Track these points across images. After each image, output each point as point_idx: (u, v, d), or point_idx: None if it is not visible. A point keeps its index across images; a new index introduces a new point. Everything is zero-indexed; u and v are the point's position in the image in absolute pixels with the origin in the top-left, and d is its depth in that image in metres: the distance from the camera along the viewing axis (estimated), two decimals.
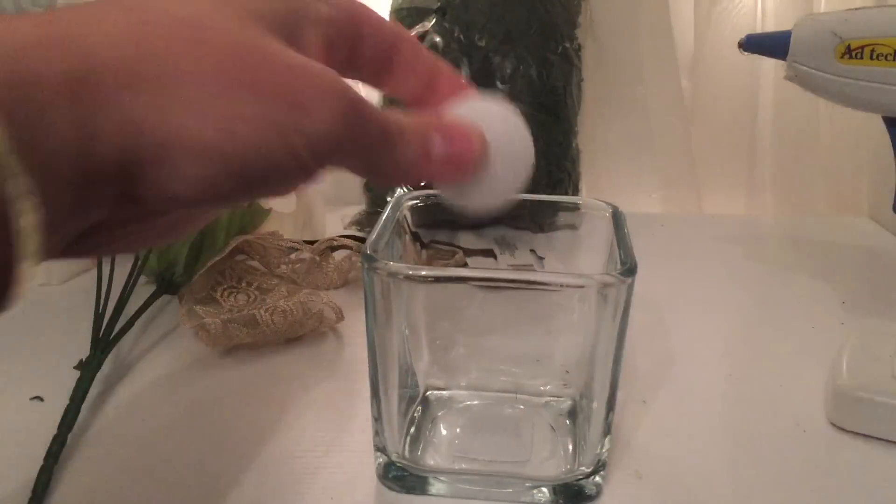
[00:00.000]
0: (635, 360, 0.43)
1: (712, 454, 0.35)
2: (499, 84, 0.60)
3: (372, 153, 0.22)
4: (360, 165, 0.22)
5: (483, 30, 0.59)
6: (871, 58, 0.41)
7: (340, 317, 0.46)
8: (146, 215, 0.21)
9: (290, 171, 0.19)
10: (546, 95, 0.60)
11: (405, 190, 0.59)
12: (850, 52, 0.41)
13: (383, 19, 0.25)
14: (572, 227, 0.38)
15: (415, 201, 0.36)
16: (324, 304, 0.45)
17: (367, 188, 0.61)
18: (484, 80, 0.60)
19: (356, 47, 0.24)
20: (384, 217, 0.33)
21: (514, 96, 0.59)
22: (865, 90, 0.41)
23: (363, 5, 0.24)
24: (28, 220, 0.15)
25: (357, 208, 0.61)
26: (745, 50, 0.46)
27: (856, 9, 0.42)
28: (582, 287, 0.29)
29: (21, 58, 0.15)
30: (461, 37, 0.60)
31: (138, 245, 0.27)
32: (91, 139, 0.16)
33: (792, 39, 0.43)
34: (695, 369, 0.42)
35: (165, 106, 0.17)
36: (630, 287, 0.28)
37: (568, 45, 0.61)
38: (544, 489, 0.32)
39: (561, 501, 0.32)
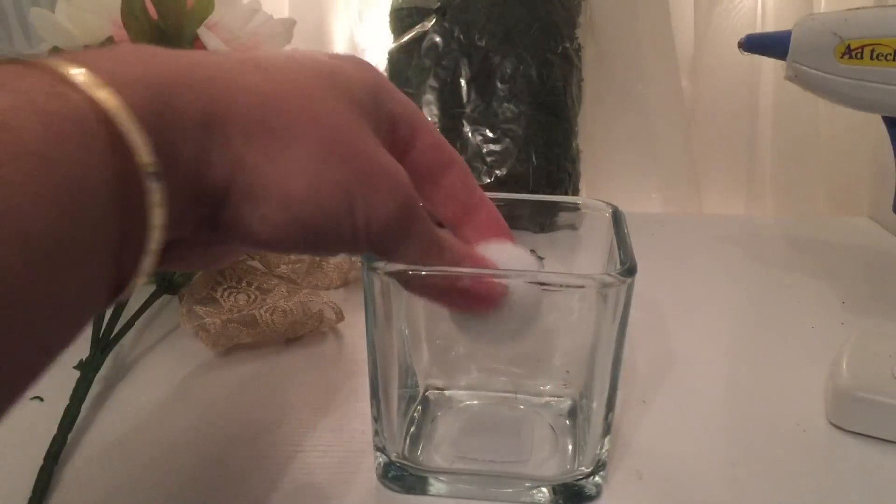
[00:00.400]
0: (635, 360, 0.43)
1: (712, 454, 0.35)
2: (499, 84, 0.60)
3: (410, 250, 0.24)
4: (397, 259, 0.25)
5: (483, 30, 0.59)
6: (872, 58, 0.40)
7: (340, 317, 0.46)
8: (214, 242, 0.24)
9: (344, 238, 0.22)
10: (546, 95, 0.60)
11: None
12: (850, 52, 0.41)
13: (442, 138, 0.28)
14: (572, 227, 0.38)
15: None
16: (324, 304, 0.45)
17: None
18: (484, 80, 0.60)
19: (408, 153, 0.27)
20: None
21: (514, 96, 0.59)
22: (865, 90, 0.41)
23: (426, 120, 0.28)
24: (158, 218, 0.18)
25: None
26: (745, 50, 0.46)
27: (856, 9, 0.42)
28: (582, 287, 0.29)
29: (169, 94, 0.19)
30: (461, 37, 0.60)
31: (190, 266, 0.30)
32: (206, 166, 0.20)
33: (792, 39, 0.43)
34: (695, 369, 0.42)
35: (274, 155, 0.21)
36: (630, 287, 0.28)
37: (568, 44, 0.62)
38: (544, 489, 0.32)
39: (561, 501, 0.32)
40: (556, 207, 0.41)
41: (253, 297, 0.46)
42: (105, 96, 0.17)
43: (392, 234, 0.23)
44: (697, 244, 0.63)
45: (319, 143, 0.21)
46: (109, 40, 0.40)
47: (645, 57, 0.68)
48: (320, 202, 0.21)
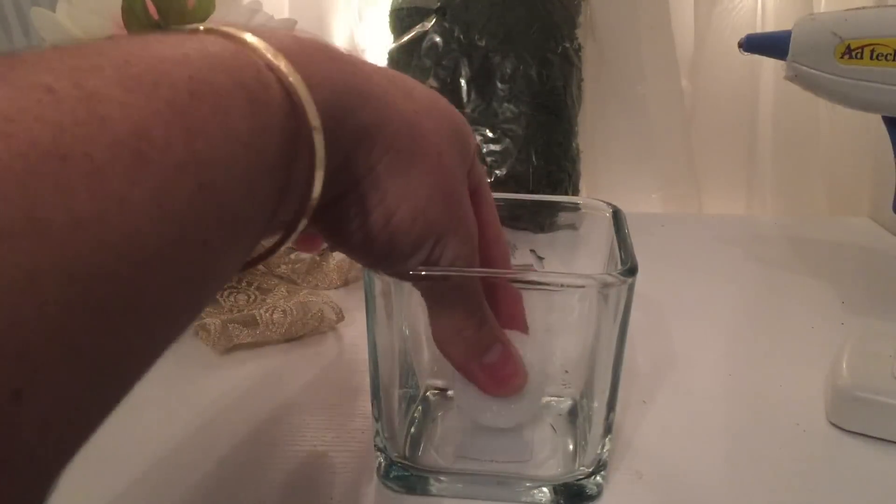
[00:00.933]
0: (636, 360, 0.43)
1: (712, 454, 0.35)
2: (499, 84, 0.60)
3: (458, 303, 0.28)
4: (443, 307, 0.28)
5: (483, 30, 0.59)
6: (872, 58, 0.40)
7: (340, 317, 0.46)
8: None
9: (416, 254, 0.26)
10: (546, 95, 0.60)
11: None
12: (850, 52, 0.41)
13: (496, 214, 0.32)
14: (572, 227, 0.38)
15: None
16: (324, 304, 0.45)
17: None
18: (484, 80, 0.60)
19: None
20: None
21: (514, 96, 0.59)
22: (865, 90, 0.41)
23: (490, 196, 0.32)
24: (320, 173, 0.21)
25: None
26: (745, 50, 0.46)
27: (856, 9, 0.42)
28: (582, 287, 0.29)
29: (342, 99, 0.22)
30: (461, 37, 0.60)
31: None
32: (347, 161, 0.23)
33: (792, 39, 0.43)
34: (695, 369, 0.42)
35: (398, 174, 0.24)
36: (631, 287, 0.28)
37: (568, 44, 0.62)
38: (545, 489, 0.32)
39: (562, 501, 0.32)
40: (556, 207, 0.41)
41: (253, 297, 0.46)
42: (296, 84, 0.20)
43: (451, 270, 0.27)
44: (697, 244, 0.63)
45: (435, 179, 0.25)
46: None
47: (645, 57, 0.68)
48: (416, 229, 0.25)
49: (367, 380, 0.31)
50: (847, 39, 0.41)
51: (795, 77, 0.44)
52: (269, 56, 0.19)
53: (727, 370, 0.43)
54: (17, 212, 0.12)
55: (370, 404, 0.32)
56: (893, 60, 0.40)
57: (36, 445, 0.13)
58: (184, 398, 0.39)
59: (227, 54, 0.18)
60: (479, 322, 0.28)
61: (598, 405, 0.31)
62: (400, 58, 0.61)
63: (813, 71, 0.43)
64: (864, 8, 0.42)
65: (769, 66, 0.68)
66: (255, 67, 0.19)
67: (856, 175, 0.70)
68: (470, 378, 0.30)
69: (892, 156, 0.43)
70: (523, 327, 0.32)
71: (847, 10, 0.42)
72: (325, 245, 0.30)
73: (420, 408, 0.36)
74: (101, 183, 0.14)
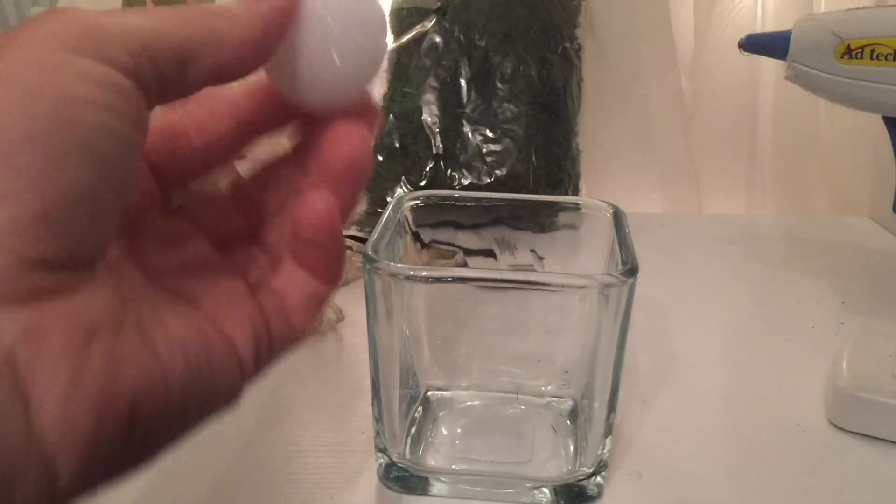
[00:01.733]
0: (636, 361, 0.43)
1: (713, 454, 0.35)
2: (499, 84, 0.60)
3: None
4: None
5: (483, 30, 0.59)
6: (872, 58, 0.40)
7: (340, 317, 0.46)
8: None
9: None
10: (546, 95, 0.60)
11: (405, 190, 0.59)
12: (850, 53, 0.41)
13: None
14: (573, 227, 0.38)
15: (416, 201, 0.36)
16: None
17: (367, 188, 0.61)
18: (484, 80, 0.60)
19: None
20: (385, 217, 0.33)
21: (514, 96, 0.59)
22: (865, 90, 0.41)
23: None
24: None
25: (358, 208, 0.61)
26: (745, 50, 0.46)
27: (856, 9, 0.42)
28: (583, 287, 0.29)
29: None
30: (461, 37, 0.60)
31: None
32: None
33: (792, 39, 0.43)
34: (695, 369, 0.42)
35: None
36: (631, 287, 0.28)
37: (568, 45, 0.62)
38: (545, 490, 0.32)
39: (562, 502, 0.32)
40: (556, 207, 0.40)
41: None
42: None
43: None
44: (697, 244, 0.63)
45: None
46: None
47: (645, 57, 0.68)
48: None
49: (367, 380, 0.31)
50: (847, 39, 0.41)
51: (795, 77, 0.44)
52: None
53: (727, 370, 0.43)
54: None
55: (370, 404, 0.32)
56: (893, 60, 0.40)
57: None
58: None
59: None
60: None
61: (599, 405, 0.31)
62: (400, 58, 0.61)
63: (813, 71, 0.43)
64: (863, 8, 0.42)
65: (769, 67, 0.68)
66: None
67: (856, 175, 0.70)
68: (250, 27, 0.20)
69: (893, 156, 0.43)
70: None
71: (847, 10, 0.42)
72: None
73: (420, 408, 0.36)
74: None
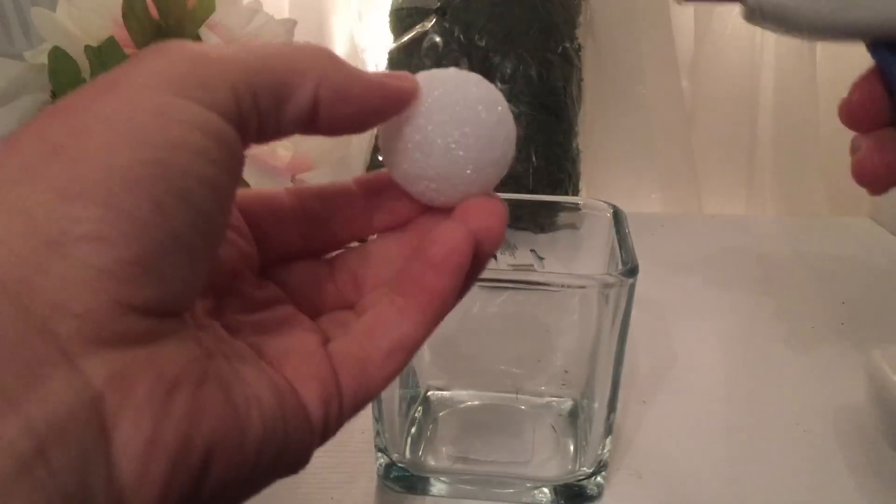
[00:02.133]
0: (636, 361, 0.43)
1: (713, 454, 0.35)
2: (499, 84, 0.60)
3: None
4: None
5: (483, 30, 0.59)
6: None
7: None
8: None
9: None
10: (546, 95, 0.60)
11: None
12: None
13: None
14: (573, 227, 0.38)
15: None
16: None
17: None
18: None
19: None
20: None
21: (514, 96, 0.59)
22: (848, 8, 0.29)
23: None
24: None
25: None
26: None
27: None
28: (583, 287, 0.29)
29: None
30: (461, 37, 0.60)
31: None
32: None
33: None
34: (695, 369, 0.42)
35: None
36: (631, 288, 0.28)
37: (568, 44, 0.61)
38: (545, 490, 0.32)
39: (562, 502, 0.32)
40: (556, 207, 0.41)
41: None
42: None
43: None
44: (697, 244, 0.63)
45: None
46: (111, 40, 0.40)
47: (645, 57, 0.68)
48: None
49: None
50: None
51: (760, 11, 0.31)
52: None
53: (727, 370, 0.43)
54: None
55: (370, 404, 0.32)
56: None
57: None
58: None
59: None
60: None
61: (599, 405, 0.31)
62: (400, 58, 0.61)
63: None
64: None
65: (769, 66, 0.68)
66: None
67: None
68: (367, 100, 0.20)
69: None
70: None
71: None
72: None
73: (420, 408, 0.36)
74: None
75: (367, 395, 0.20)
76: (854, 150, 0.29)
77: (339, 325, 0.21)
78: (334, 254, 0.23)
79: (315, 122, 0.19)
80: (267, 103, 0.18)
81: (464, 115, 0.20)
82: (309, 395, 0.19)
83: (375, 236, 0.24)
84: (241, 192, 0.22)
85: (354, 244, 0.24)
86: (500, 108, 0.21)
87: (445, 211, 0.21)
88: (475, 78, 0.22)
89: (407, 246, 0.23)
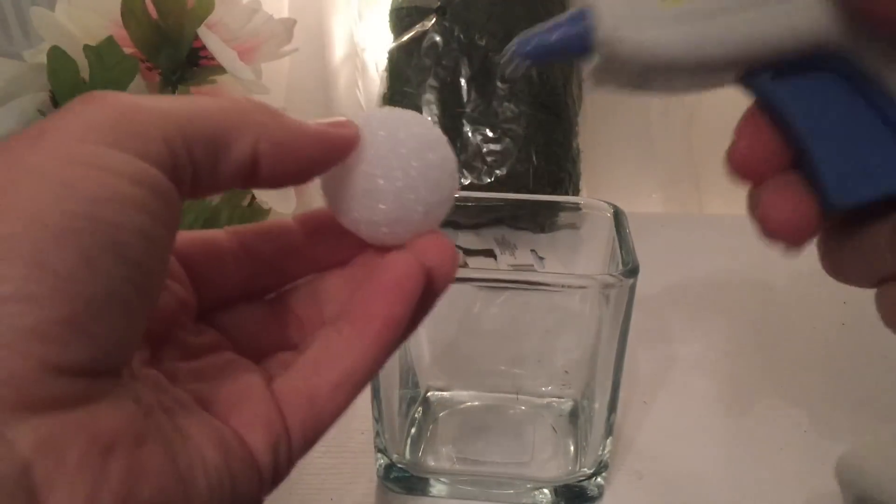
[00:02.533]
0: (636, 361, 0.42)
1: (713, 454, 0.35)
2: (499, 83, 0.60)
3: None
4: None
5: (483, 29, 0.59)
6: None
7: None
8: None
9: None
10: (546, 95, 0.60)
11: None
12: None
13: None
14: (573, 227, 0.37)
15: None
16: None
17: None
18: (484, 79, 0.60)
19: None
20: None
21: (514, 96, 0.59)
22: (716, 30, 0.22)
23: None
24: None
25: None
26: (523, 56, 0.25)
27: None
28: (583, 287, 0.29)
29: None
30: (461, 36, 0.60)
31: None
32: None
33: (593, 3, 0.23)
34: (696, 370, 0.42)
35: None
36: (632, 288, 0.28)
37: None
38: (546, 490, 0.32)
39: (562, 502, 0.32)
40: (556, 207, 0.40)
41: None
42: None
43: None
44: (698, 244, 0.63)
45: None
46: (109, 40, 0.40)
47: None
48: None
49: None
50: None
51: (618, 64, 0.23)
52: None
53: (728, 370, 0.42)
54: None
55: (370, 405, 0.32)
56: None
57: None
58: None
59: None
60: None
61: (599, 406, 0.31)
62: (400, 57, 0.61)
63: (642, 37, 0.22)
64: None
65: None
66: None
67: None
68: (306, 150, 0.19)
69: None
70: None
71: None
72: None
73: (420, 408, 0.36)
74: None
75: (317, 432, 0.19)
76: (752, 206, 0.25)
77: (282, 365, 0.20)
78: (276, 293, 0.23)
79: (255, 176, 0.18)
80: (202, 156, 0.17)
81: (410, 157, 0.20)
82: (256, 442, 0.18)
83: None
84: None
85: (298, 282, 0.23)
86: (442, 145, 0.21)
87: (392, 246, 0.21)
88: (415, 117, 0.21)
89: (352, 281, 0.22)
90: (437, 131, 0.21)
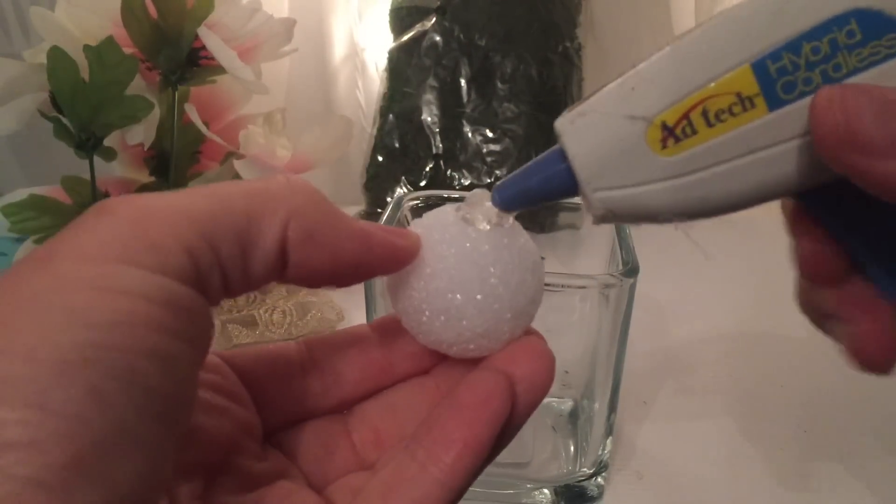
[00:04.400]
0: (636, 361, 0.42)
1: (713, 454, 0.35)
2: (499, 83, 0.60)
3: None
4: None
5: (483, 29, 0.59)
6: (709, 124, 0.20)
7: (340, 317, 0.45)
8: None
9: None
10: (546, 95, 0.60)
11: (405, 190, 0.58)
12: (672, 134, 0.20)
13: None
14: (573, 227, 0.37)
15: (416, 201, 0.36)
16: (323, 305, 0.45)
17: (367, 188, 0.61)
18: (484, 79, 0.60)
19: None
20: (385, 217, 0.33)
21: (514, 96, 0.59)
22: (723, 181, 0.21)
23: None
24: None
25: (357, 208, 0.61)
26: (504, 208, 0.20)
27: (635, 68, 0.21)
28: (583, 287, 0.29)
29: None
30: (461, 36, 0.60)
31: None
32: None
33: (572, 157, 0.20)
34: (696, 370, 0.42)
35: None
36: (632, 288, 0.28)
37: (568, 44, 0.61)
38: (546, 490, 0.32)
39: (562, 502, 0.32)
40: (556, 207, 0.40)
41: (252, 297, 0.46)
42: None
43: None
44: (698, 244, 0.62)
45: None
46: (109, 40, 0.40)
47: (645, 57, 0.68)
48: None
49: None
50: (654, 115, 0.20)
51: (612, 213, 0.21)
52: None
53: (728, 370, 0.42)
54: None
55: None
56: (744, 109, 0.19)
57: None
58: None
59: None
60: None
61: (599, 406, 0.31)
62: (400, 57, 0.61)
63: (633, 190, 0.21)
64: (649, 58, 0.21)
65: None
66: None
67: None
68: (366, 257, 0.18)
69: None
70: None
71: (629, 72, 0.21)
72: None
73: None
74: None
75: None
76: (845, 337, 0.23)
77: (352, 491, 0.18)
78: (351, 408, 0.21)
79: (285, 267, 0.16)
80: (230, 255, 0.15)
81: (486, 264, 0.18)
82: None
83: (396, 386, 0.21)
84: (239, 353, 0.20)
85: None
86: (517, 236, 0.19)
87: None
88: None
89: (434, 393, 0.20)
90: (509, 220, 0.19)
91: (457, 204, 0.20)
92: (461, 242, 0.18)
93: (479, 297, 0.18)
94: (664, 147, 0.20)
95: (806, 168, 0.19)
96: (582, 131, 0.20)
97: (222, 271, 0.15)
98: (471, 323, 0.18)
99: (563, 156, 0.20)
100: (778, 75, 0.19)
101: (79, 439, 0.12)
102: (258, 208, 0.16)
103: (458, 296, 0.18)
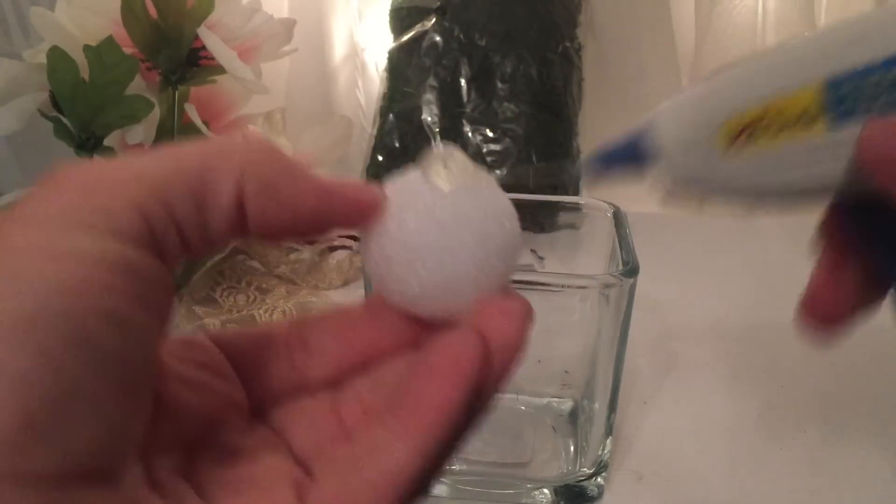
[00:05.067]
0: (636, 361, 0.42)
1: (713, 455, 0.35)
2: (499, 83, 0.60)
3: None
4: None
5: (483, 29, 0.59)
6: (767, 135, 0.21)
7: None
8: None
9: None
10: (546, 95, 0.60)
11: None
12: (738, 138, 0.22)
13: None
14: (573, 226, 0.37)
15: None
16: (323, 305, 0.45)
17: None
18: (484, 79, 0.60)
19: None
20: None
21: (514, 96, 0.59)
22: (767, 185, 0.23)
23: None
24: None
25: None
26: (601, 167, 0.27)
27: (721, 70, 0.23)
28: (583, 287, 0.29)
29: None
30: (461, 36, 0.60)
31: None
32: None
33: (656, 136, 0.25)
34: (696, 369, 0.42)
35: None
36: (632, 288, 0.28)
37: (568, 44, 0.61)
38: (546, 490, 0.32)
39: (562, 502, 0.32)
40: (556, 207, 0.40)
41: (252, 297, 0.46)
42: None
43: None
44: (697, 244, 0.63)
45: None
46: (109, 40, 0.40)
47: (645, 57, 0.68)
48: None
49: None
50: (723, 120, 0.22)
51: (677, 187, 0.26)
52: None
53: (728, 370, 0.42)
54: None
55: None
56: (805, 126, 0.20)
57: None
58: None
59: None
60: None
61: (599, 406, 0.31)
62: (400, 57, 0.61)
63: (697, 176, 0.25)
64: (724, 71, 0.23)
65: None
66: None
67: None
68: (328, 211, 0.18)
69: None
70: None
71: (705, 80, 0.23)
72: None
73: None
74: None
75: None
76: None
77: (333, 463, 0.18)
78: (341, 384, 0.20)
79: (244, 222, 0.16)
80: (185, 211, 0.15)
81: (445, 209, 0.18)
82: None
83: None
84: (225, 331, 0.20)
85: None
86: (483, 186, 0.19)
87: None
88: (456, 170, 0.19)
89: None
90: (481, 174, 0.19)
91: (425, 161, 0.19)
92: (423, 198, 0.18)
93: (439, 249, 0.18)
94: (732, 145, 0.23)
95: (846, 185, 0.21)
96: (667, 115, 0.25)
97: (179, 230, 0.15)
98: (431, 276, 0.18)
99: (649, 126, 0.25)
100: (841, 99, 0.20)
101: (30, 401, 0.13)
102: (212, 164, 0.16)
103: (419, 250, 0.18)
